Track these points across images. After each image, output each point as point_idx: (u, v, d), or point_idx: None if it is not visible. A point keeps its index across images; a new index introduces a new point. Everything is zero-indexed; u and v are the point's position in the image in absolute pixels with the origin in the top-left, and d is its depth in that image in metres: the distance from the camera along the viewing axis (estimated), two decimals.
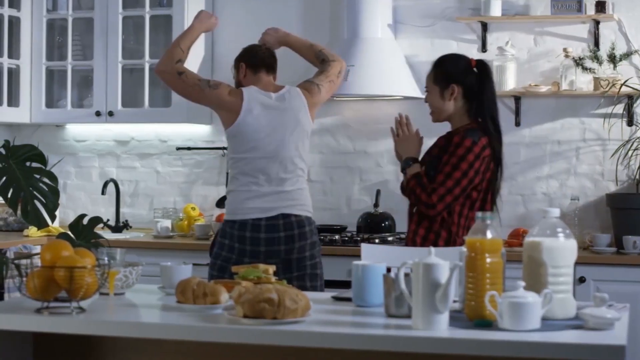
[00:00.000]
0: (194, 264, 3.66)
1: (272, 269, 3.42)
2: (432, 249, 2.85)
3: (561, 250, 2.97)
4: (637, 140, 5.55)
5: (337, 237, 5.75)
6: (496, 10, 5.78)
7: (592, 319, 2.82)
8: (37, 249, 5.82)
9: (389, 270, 3.21)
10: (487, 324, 2.83)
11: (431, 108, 4.30)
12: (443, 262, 2.79)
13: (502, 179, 4.26)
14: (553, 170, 5.83)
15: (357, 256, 5.43)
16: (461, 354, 2.73)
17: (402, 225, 5.91)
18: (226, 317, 2.90)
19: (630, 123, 5.65)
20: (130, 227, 6.38)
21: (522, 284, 2.83)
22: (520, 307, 2.76)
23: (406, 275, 2.92)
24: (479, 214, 2.94)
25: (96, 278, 3.01)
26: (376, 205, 5.92)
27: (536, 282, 2.95)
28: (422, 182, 4.13)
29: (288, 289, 2.88)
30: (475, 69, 4.26)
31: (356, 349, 2.76)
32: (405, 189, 4.23)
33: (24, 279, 3.02)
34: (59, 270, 2.94)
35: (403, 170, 4.27)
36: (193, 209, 6.20)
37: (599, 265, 5.15)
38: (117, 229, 6.29)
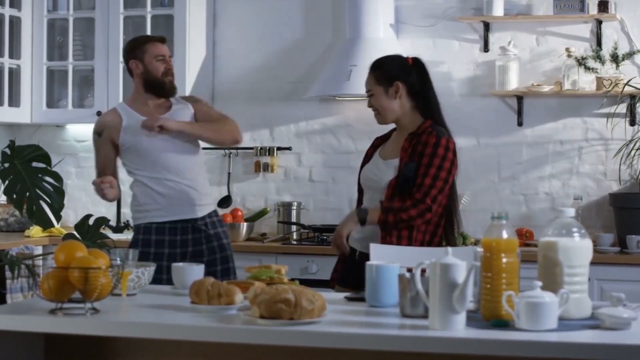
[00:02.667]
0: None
1: (284, 269, 3.42)
2: (450, 248, 2.84)
3: (577, 249, 2.96)
4: None
5: None
6: (498, 10, 5.78)
7: (609, 318, 2.82)
8: (39, 250, 5.81)
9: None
10: (504, 324, 2.82)
11: (378, 110, 4.19)
12: (460, 262, 2.79)
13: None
14: (555, 170, 5.84)
15: None
16: (480, 354, 2.72)
17: None
18: (242, 317, 2.89)
19: (632, 123, 5.66)
20: (132, 227, 6.34)
21: (539, 283, 2.83)
22: (538, 307, 2.76)
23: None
24: (494, 213, 2.93)
25: (110, 279, 2.99)
26: None
27: (552, 281, 2.94)
28: (396, 207, 3.95)
29: (304, 289, 2.87)
30: (413, 67, 4.15)
31: (375, 350, 2.75)
32: (390, 225, 3.97)
33: (38, 279, 3.01)
34: (74, 271, 2.92)
35: (364, 223, 4.00)
36: None
37: (603, 265, 5.14)
38: (118, 229, 6.28)
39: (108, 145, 4.65)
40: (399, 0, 6.04)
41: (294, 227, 6.03)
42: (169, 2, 6.21)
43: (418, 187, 3.95)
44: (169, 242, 4.60)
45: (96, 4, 6.25)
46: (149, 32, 6.16)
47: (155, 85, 4.66)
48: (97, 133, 4.66)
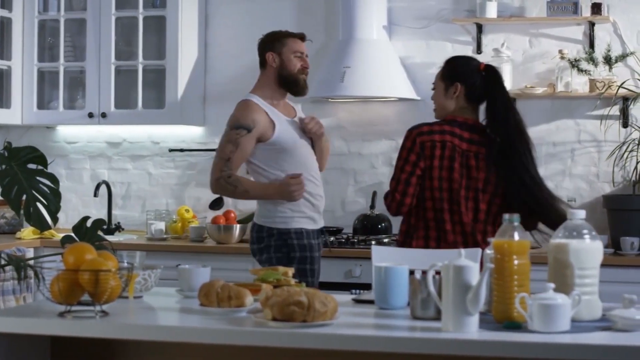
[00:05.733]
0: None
1: (290, 271, 3.41)
2: (463, 250, 2.84)
3: (587, 251, 2.98)
4: (633, 142, 5.57)
5: (332, 239, 5.73)
6: (491, 11, 5.79)
7: (622, 320, 2.83)
8: (31, 252, 5.77)
9: None
10: (516, 325, 2.83)
11: (434, 105, 4.35)
12: (474, 264, 2.79)
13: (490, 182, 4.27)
14: (548, 171, 5.83)
15: (354, 258, 5.47)
16: (493, 356, 2.72)
17: (398, 227, 5.92)
18: (253, 320, 2.88)
19: (625, 125, 5.67)
20: (123, 229, 6.33)
21: (552, 285, 2.83)
22: (551, 309, 2.76)
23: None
24: (506, 216, 2.94)
25: (119, 281, 2.98)
26: (372, 207, 5.90)
27: (562, 283, 2.95)
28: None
29: (316, 291, 2.86)
30: (481, 73, 4.29)
31: (388, 352, 2.74)
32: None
33: (47, 282, 2.98)
34: (84, 273, 2.91)
35: None
36: (187, 211, 6.17)
37: None
38: (109, 231, 6.24)
39: (252, 142, 4.55)
40: (392, 2, 6.04)
41: None
42: (160, 3, 6.18)
43: None
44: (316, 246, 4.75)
45: (87, 5, 6.21)
46: (140, 34, 6.15)
47: (289, 81, 4.66)
48: (247, 129, 4.54)
